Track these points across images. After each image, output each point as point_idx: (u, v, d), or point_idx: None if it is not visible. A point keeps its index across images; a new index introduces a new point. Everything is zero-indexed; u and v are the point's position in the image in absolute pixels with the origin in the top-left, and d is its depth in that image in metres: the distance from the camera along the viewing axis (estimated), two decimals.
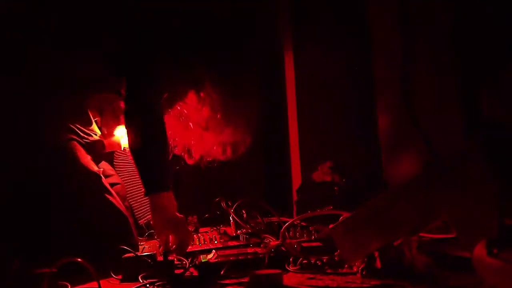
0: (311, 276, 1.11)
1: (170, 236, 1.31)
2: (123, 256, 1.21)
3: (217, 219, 1.72)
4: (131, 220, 1.46)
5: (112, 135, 1.66)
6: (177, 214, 1.34)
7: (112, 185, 1.53)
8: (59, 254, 1.01)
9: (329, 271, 1.14)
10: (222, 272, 1.14)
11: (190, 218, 1.79)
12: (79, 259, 0.98)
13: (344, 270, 1.14)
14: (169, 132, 1.44)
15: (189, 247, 1.37)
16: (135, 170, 1.74)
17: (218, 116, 1.56)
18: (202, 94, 1.53)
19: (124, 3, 1.43)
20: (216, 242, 1.46)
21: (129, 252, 1.23)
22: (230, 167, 2.24)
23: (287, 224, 1.27)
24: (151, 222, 1.37)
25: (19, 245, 1.29)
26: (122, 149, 1.73)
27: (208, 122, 1.58)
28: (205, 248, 1.37)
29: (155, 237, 1.48)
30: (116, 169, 1.75)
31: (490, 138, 1.03)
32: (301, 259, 1.19)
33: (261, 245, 1.34)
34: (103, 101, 1.52)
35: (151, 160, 1.34)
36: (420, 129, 2.05)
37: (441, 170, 1.06)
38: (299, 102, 2.33)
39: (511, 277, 0.78)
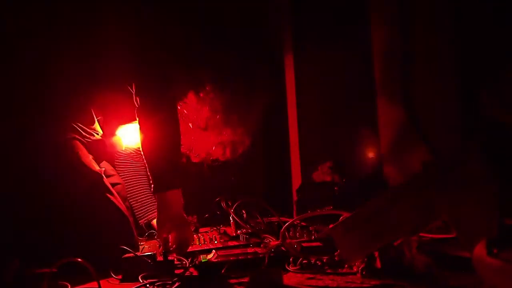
0: (311, 276, 1.11)
1: (171, 235, 1.30)
2: (123, 256, 1.21)
3: (217, 219, 1.71)
4: (131, 220, 1.46)
5: (114, 134, 1.66)
6: (183, 212, 1.34)
7: (113, 185, 1.53)
8: (59, 254, 1.01)
9: (329, 271, 1.14)
10: (222, 272, 1.14)
11: (190, 218, 1.79)
12: (79, 259, 0.98)
13: (344, 270, 1.14)
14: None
15: (189, 247, 1.37)
16: (136, 170, 1.75)
17: (218, 116, 1.56)
18: (201, 95, 1.53)
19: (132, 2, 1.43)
20: (216, 242, 1.46)
21: (129, 252, 1.23)
22: (230, 167, 2.25)
23: (287, 224, 1.27)
24: (154, 221, 1.37)
25: (19, 245, 1.29)
26: (123, 148, 1.73)
27: (208, 122, 1.58)
28: (205, 248, 1.37)
29: (155, 236, 1.49)
30: (117, 169, 1.75)
31: (490, 138, 1.03)
32: (301, 259, 1.19)
33: (261, 245, 1.34)
34: (106, 99, 1.51)
35: (162, 157, 1.33)
36: (420, 129, 2.05)
37: (441, 170, 1.06)
38: (299, 102, 2.33)
39: (511, 277, 0.78)
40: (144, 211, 1.74)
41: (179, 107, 1.55)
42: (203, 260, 1.23)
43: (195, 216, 1.82)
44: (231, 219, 1.56)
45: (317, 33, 2.29)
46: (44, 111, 1.39)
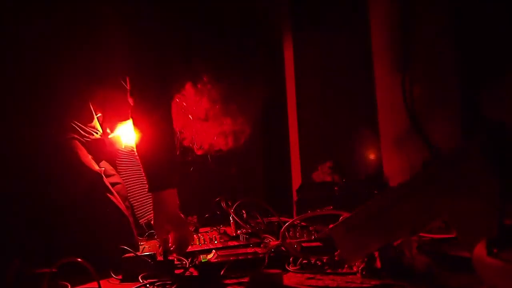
0: (311, 276, 1.11)
1: (170, 235, 1.31)
2: (123, 256, 1.21)
3: (217, 219, 1.71)
4: (131, 220, 1.46)
5: (113, 132, 1.65)
6: (179, 212, 1.34)
7: (112, 184, 1.53)
8: (59, 254, 1.01)
9: (329, 271, 1.14)
10: (222, 272, 1.14)
11: (190, 218, 1.79)
12: (79, 259, 0.98)
13: (344, 270, 1.13)
14: (176, 125, 1.43)
15: (189, 247, 1.37)
16: (137, 169, 1.75)
17: (217, 106, 1.55)
18: (199, 86, 1.52)
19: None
20: (216, 242, 1.46)
21: (129, 252, 1.23)
22: (233, 158, 2.25)
23: (287, 224, 1.26)
24: (152, 221, 1.36)
25: (19, 245, 1.29)
26: (123, 147, 1.72)
27: (208, 113, 1.57)
28: (205, 248, 1.37)
29: (155, 236, 1.48)
30: (118, 168, 1.74)
31: (490, 138, 1.03)
32: (301, 259, 1.19)
33: (261, 245, 1.34)
34: (105, 96, 1.51)
35: (156, 157, 1.33)
36: (420, 129, 2.05)
37: (441, 170, 1.06)
38: (299, 103, 2.34)
39: (511, 277, 0.78)
40: (144, 211, 1.73)
41: (178, 100, 1.54)
42: (203, 260, 1.23)
43: (195, 216, 1.82)
44: (231, 219, 1.56)
45: (319, 32, 2.29)
46: (44, 110, 1.39)
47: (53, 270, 0.98)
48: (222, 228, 1.62)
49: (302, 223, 1.56)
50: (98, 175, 1.42)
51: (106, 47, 1.44)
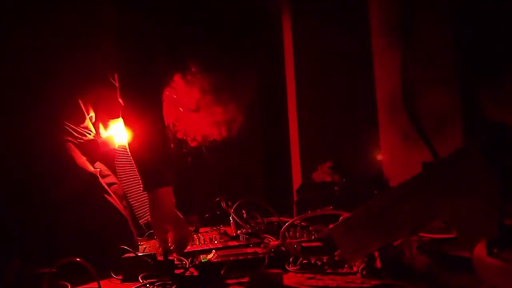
0: (311, 276, 1.11)
1: (169, 234, 1.30)
2: (123, 256, 1.21)
3: (217, 219, 1.71)
4: (129, 219, 1.46)
5: (106, 132, 1.63)
6: (176, 210, 1.34)
7: (109, 185, 1.52)
8: (60, 254, 1.01)
9: (329, 271, 1.14)
10: (222, 272, 1.14)
11: (190, 217, 1.79)
12: (79, 259, 0.98)
13: (344, 270, 1.14)
14: (168, 118, 1.41)
15: (189, 247, 1.37)
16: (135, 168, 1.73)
17: (208, 96, 1.53)
18: (188, 77, 1.50)
19: None
20: (216, 242, 1.46)
21: (129, 252, 1.23)
22: (227, 149, 2.25)
23: (287, 224, 1.26)
24: (150, 220, 1.36)
25: (19, 245, 1.29)
26: (116, 146, 1.71)
27: (199, 104, 1.55)
28: (205, 248, 1.37)
29: (155, 237, 1.48)
30: (117, 168, 1.74)
31: (490, 138, 1.03)
32: (301, 259, 1.19)
33: (261, 245, 1.34)
34: (95, 95, 1.49)
35: (149, 155, 1.32)
36: (420, 129, 2.05)
37: (441, 170, 1.06)
38: (299, 102, 2.33)
39: (511, 277, 0.78)
40: (144, 211, 1.73)
41: (168, 93, 1.52)
42: (203, 260, 1.23)
43: (195, 216, 1.82)
44: (231, 219, 1.56)
45: (319, 30, 2.28)
46: (36, 113, 1.38)
47: (53, 270, 0.98)
48: (222, 228, 1.62)
49: (302, 223, 1.56)
50: (93, 176, 1.41)
51: (94, 45, 1.43)
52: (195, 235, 1.54)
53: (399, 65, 2.09)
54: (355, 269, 1.11)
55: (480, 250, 0.84)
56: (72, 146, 1.43)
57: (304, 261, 1.18)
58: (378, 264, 1.06)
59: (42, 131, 1.38)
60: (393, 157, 2.16)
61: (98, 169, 1.49)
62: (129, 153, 1.34)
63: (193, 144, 1.62)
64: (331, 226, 1.11)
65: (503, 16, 1.69)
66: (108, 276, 1.19)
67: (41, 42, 1.42)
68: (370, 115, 2.22)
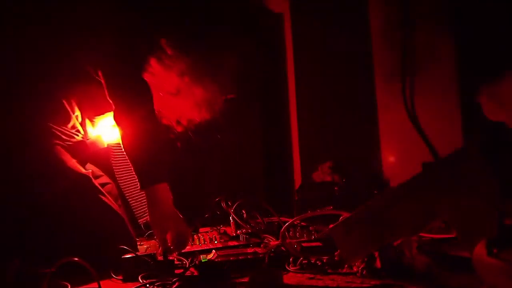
0: (311, 276, 1.11)
1: (168, 234, 1.29)
2: (123, 257, 1.21)
3: (217, 219, 1.71)
4: (126, 219, 1.45)
5: (94, 131, 1.59)
6: (174, 208, 1.33)
7: (102, 185, 1.51)
8: (59, 255, 1.00)
9: (329, 271, 1.14)
10: (222, 272, 1.14)
11: (189, 218, 1.78)
12: (79, 259, 0.98)
13: (344, 270, 1.13)
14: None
15: (189, 247, 1.37)
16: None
17: (186, 78, 1.51)
18: (166, 61, 1.48)
19: None
20: (216, 242, 1.46)
21: (129, 252, 1.23)
22: (229, 167, 2.25)
23: (287, 224, 1.27)
24: (149, 219, 1.35)
25: (19, 245, 1.29)
26: (106, 145, 1.68)
27: (178, 87, 1.53)
28: (205, 248, 1.37)
29: (155, 237, 1.48)
30: (114, 168, 1.72)
31: (490, 138, 1.03)
32: (301, 259, 1.19)
33: (261, 245, 1.34)
34: (79, 93, 1.46)
35: (143, 153, 1.31)
36: (420, 129, 2.05)
37: (441, 170, 1.06)
38: (299, 102, 2.33)
39: (511, 277, 0.78)
40: (143, 210, 1.72)
41: (147, 79, 1.50)
42: (203, 260, 1.23)
43: (198, 218, 1.82)
44: (231, 219, 1.56)
45: (319, 33, 2.28)
46: (21, 118, 1.37)
47: (52, 270, 0.98)
48: (222, 228, 1.62)
49: (302, 223, 1.56)
50: (86, 178, 1.40)
51: (74, 43, 1.41)
52: (195, 235, 1.54)
53: (399, 65, 2.09)
54: (355, 269, 1.11)
55: (480, 250, 0.84)
56: (62, 149, 1.41)
57: (304, 261, 1.18)
58: (378, 264, 1.06)
59: (29, 136, 1.37)
60: (393, 157, 2.16)
61: (90, 171, 1.48)
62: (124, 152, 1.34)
63: (179, 129, 1.60)
64: (331, 226, 1.11)
65: (503, 16, 1.69)
66: (108, 276, 1.19)
67: (22, 42, 1.41)
68: (370, 115, 2.22)
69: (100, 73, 1.37)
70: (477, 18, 1.80)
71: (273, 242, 1.33)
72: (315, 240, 1.35)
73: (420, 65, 2.05)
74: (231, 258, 1.21)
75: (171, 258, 1.24)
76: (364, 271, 1.08)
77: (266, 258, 1.19)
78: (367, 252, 1.07)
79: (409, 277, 1.02)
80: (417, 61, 2.06)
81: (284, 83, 2.40)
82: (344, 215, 1.14)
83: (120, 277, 1.18)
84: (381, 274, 1.05)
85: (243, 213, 1.60)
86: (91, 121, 1.54)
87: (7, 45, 1.41)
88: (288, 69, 2.38)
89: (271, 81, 2.38)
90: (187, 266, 1.21)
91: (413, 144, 2.07)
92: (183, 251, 1.32)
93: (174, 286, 1.08)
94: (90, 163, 1.63)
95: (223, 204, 1.63)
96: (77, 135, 1.49)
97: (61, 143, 1.42)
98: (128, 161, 1.35)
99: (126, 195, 1.69)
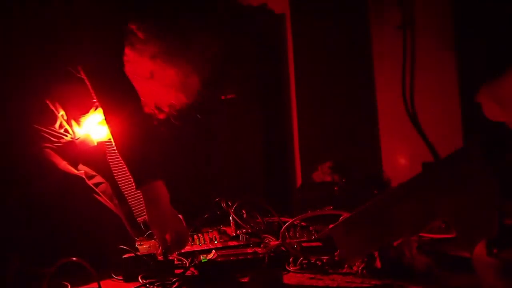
0: (311, 276, 1.11)
1: (168, 232, 1.29)
2: (123, 256, 1.21)
3: (217, 219, 1.71)
4: (123, 217, 1.45)
5: (81, 129, 1.56)
6: (171, 206, 1.31)
7: (96, 185, 1.50)
8: (59, 256, 1.00)
9: (330, 271, 1.14)
10: (222, 272, 1.14)
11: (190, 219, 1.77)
12: (79, 259, 0.98)
13: (344, 270, 1.13)
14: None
15: (189, 246, 1.37)
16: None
17: (158, 60, 1.49)
18: (138, 46, 1.46)
19: None
20: (216, 242, 1.46)
21: (129, 252, 1.23)
22: (229, 166, 2.25)
23: (287, 224, 1.27)
24: (146, 218, 1.34)
25: (19, 245, 1.29)
26: (95, 143, 1.63)
27: (151, 70, 1.51)
28: (205, 248, 1.37)
29: (154, 237, 1.48)
30: (112, 166, 1.70)
31: (490, 138, 1.03)
32: (301, 259, 1.19)
33: (261, 245, 1.34)
34: (62, 92, 1.44)
35: (137, 151, 1.29)
36: (420, 129, 2.05)
37: (441, 170, 1.06)
38: (299, 102, 2.33)
39: (511, 277, 0.78)
40: (141, 209, 1.70)
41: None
42: (203, 260, 1.23)
43: (198, 218, 1.81)
44: (231, 219, 1.56)
45: (316, 22, 2.28)
46: (9, 121, 1.36)
47: (51, 270, 0.98)
48: (222, 228, 1.62)
49: (302, 223, 1.56)
50: (79, 179, 1.40)
51: (53, 41, 1.39)
52: (195, 235, 1.54)
53: (399, 65, 2.09)
54: (355, 269, 1.11)
55: (480, 250, 0.84)
56: (51, 152, 1.40)
57: (304, 261, 1.18)
58: (378, 264, 1.06)
59: (18, 141, 1.36)
60: (393, 157, 2.16)
61: (82, 171, 1.47)
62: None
63: (161, 116, 1.58)
64: (331, 226, 1.11)
65: (503, 16, 1.69)
66: (108, 276, 1.19)
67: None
68: (370, 115, 2.22)
69: (81, 71, 1.34)
70: (477, 18, 1.81)
71: (273, 242, 1.33)
72: (315, 240, 1.35)
73: (420, 65, 2.06)
74: (231, 258, 1.21)
75: (171, 258, 1.24)
76: (364, 271, 1.08)
77: (266, 258, 1.19)
78: (367, 252, 1.07)
79: (409, 277, 1.02)
80: (417, 61, 2.06)
81: (284, 83, 2.40)
82: (344, 215, 1.14)
83: (121, 277, 1.18)
84: (381, 274, 1.05)
85: (243, 213, 1.60)
86: (77, 120, 1.52)
87: None
88: (289, 69, 2.38)
89: (271, 81, 2.38)
90: (187, 266, 1.21)
91: (413, 144, 2.07)
92: (183, 251, 1.32)
93: (174, 286, 1.08)
94: (82, 163, 1.61)
95: (223, 204, 1.62)
96: (66, 136, 1.47)
97: (50, 145, 1.41)
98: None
99: (125, 193, 1.68)
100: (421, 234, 1.27)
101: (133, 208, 1.70)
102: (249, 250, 1.31)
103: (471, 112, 1.83)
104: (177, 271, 1.19)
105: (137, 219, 1.70)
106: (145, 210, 1.43)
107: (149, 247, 1.43)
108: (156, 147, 1.32)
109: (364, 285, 1.03)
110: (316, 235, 1.39)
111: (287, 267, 1.18)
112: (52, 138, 1.42)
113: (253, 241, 1.40)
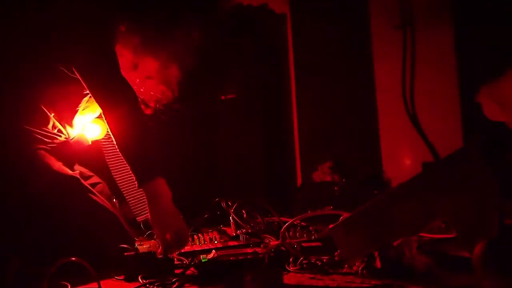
0: (311, 276, 1.11)
1: (169, 231, 1.29)
2: (124, 254, 1.21)
3: (217, 219, 1.71)
4: (121, 217, 1.44)
5: (74, 129, 1.55)
6: (173, 204, 1.31)
7: (93, 185, 1.50)
8: (58, 256, 1.00)
9: (329, 271, 1.14)
10: (222, 272, 1.14)
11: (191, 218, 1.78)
12: (79, 259, 0.98)
13: (344, 270, 1.13)
14: None
15: (189, 246, 1.37)
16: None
17: (139, 50, 1.48)
18: (120, 38, 1.45)
19: None
20: (216, 242, 1.46)
21: (130, 250, 1.23)
22: (229, 166, 2.25)
23: (287, 224, 1.26)
24: (149, 217, 1.34)
25: (19, 245, 1.29)
26: (90, 143, 1.62)
27: (135, 63, 1.50)
28: (205, 248, 1.37)
29: (155, 236, 1.48)
30: (110, 166, 1.69)
31: (489, 138, 1.03)
32: (301, 259, 1.19)
33: (261, 245, 1.34)
34: (53, 92, 1.42)
35: (138, 149, 1.30)
36: (420, 129, 2.05)
37: (441, 170, 1.06)
38: (299, 102, 2.34)
39: (510, 277, 0.78)
40: (141, 208, 1.70)
41: None
42: (203, 260, 1.23)
43: (199, 218, 1.81)
44: (231, 219, 1.56)
45: (316, 22, 2.28)
46: (6, 124, 1.36)
47: (51, 269, 0.98)
48: (222, 228, 1.62)
49: (302, 223, 1.56)
50: (75, 179, 1.39)
51: (45, 41, 1.38)
52: (195, 235, 1.54)
53: (399, 65, 2.09)
54: (355, 269, 1.11)
55: (480, 250, 0.84)
56: (45, 153, 1.39)
57: (304, 261, 1.18)
58: (378, 264, 1.06)
59: (10, 143, 1.36)
60: (393, 157, 2.16)
61: (78, 172, 1.46)
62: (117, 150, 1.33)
63: (147, 112, 1.57)
64: (331, 226, 1.11)
65: (503, 16, 1.69)
66: (108, 276, 1.19)
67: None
68: (370, 115, 2.22)
69: (76, 71, 1.34)
70: (477, 18, 1.81)
71: (273, 242, 1.33)
72: (315, 240, 1.35)
73: (420, 65, 2.06)
74: (231, 258, 1.21)
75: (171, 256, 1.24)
76: (364, 271, 1.08)
77: (266, 258, 1.19)
78: (367, 252, 1.07)
79: (409, 277, 1.01)
80: (417, 61, 2.06)
81: (284, 83, 2.40)
82: (344, 215, 1.14)
83: (122, 277, 1.18)
84: (381, 274, 1.05)
85: (243, 213, 1.60)
86: (70, 119, 1.51)
87: None
88: (289, 69, 2.38)
89: (271, 81, 2.38)
90: (187, 266, 1.21)
91: (413, 144, 2.07)
92: (183, 250, 1.32)
93: (174, 286, 1.08)
94: (78, 163, 1.60)
95: (223, 204, 1.62)
96: (60, 136, 1.46)
97: (44, 146, 1.40)
98: (121, 157, 1.34)
99: (124, 192, 1.67)
100: (421, 234, 1.27)
101: (132, 208, 1.70)
102: (249, 250, 1.31)
103: (471, 112, 1.83)
104: (177, 271, 1.19)
105: (137, 218, 1.70)
106: (145, 210, 1.43)
107: (149, 247, 1.43)
108: (155, 145, 1.33)
109: (364, 285, 1.03)
110: (316, 235, 1.39)
111: (287, 267, 1.18)
112: (45, 139, 1.41)
113: (253, 241, 1.40)
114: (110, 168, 1.67)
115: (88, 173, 1.62)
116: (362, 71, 2.24)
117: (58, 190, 1.35)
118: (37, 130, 1.40)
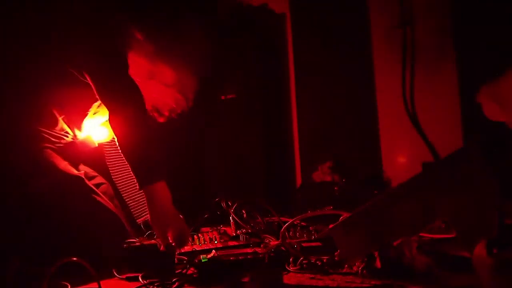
0: (311, 276, 1.11)
1: (169, 231, 1.29)
2: (127, 246, 1.22)
3: (217, 219, 1.71)
4: (123, 218, 1.45)
5: (81, 131, 1.56)
6: (173, 206, 1.32)
7: (97, 186, 1.51)
8: (59, 256, 1.00)
9: (329, 271, 1.14)
10: (222, 272, 1.14)
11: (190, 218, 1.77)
12: (79, 259, 0.98)
13: (344, 270, 1.13)
14: None
15: (189, 246, 1.37)
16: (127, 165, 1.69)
17: (157, 61, 1.48)
18: (136, 46, 1.46)
19: None
20: (216, 242, 1.46)
21: (133, 242, 1.24)
22: (230, 166, 2.25)
23: (287, 224, 1.26)
24: (149, 220, 1.34)
25: (19, 245, 1.29)
26: (96, 145, 1.64)
27: (151, 71, 1.51)
28: (205, 248, 1.37)
29: (155, 237, 1.48)
30: (110, 167, 1.70)
31: (489, 138, 1.03)
32: (301, 259, 1.19)
33: (261, 245, 1.34)
34: (63, 94, 1.43)
35: (140, 151, 1.30)
36: (420, 129, 2.05)
37: (441, 170, 1.06)
38: (299, 102, 2.34)
39: (510, 277, 0.78)
40: (141, 210, 1.71)
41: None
42: (203, 260, 1.23)
43: (199, 218, 1.81)
44: (231, 219, 1.56)
45: (316, 23, 2.28)
46: (9, 123, 1.36)
47: (51, 269, 0.98)
48: (222, 228, 1.62)
49: (302, 223, 1.56)
50: (79, 179, 1.40)
51: (55, 44, 1.39)
52: (195, 235, 1.54)
53: (399, 65, 2.09)
54: (355, 269, 1.11)
55: (480, 250, 0.84)
56: (52, 152, 1.40)
57: (304, 261, 1.18)
58: (378, 264, 1.06)
59: (18, 141, 1.36)
60: (393, 157, 2.16)
61: (83, 172, 1.47)
62: (120, 152, 1.33)
63: (161, 120, 1.58)
64: (331, 226, 1.11)
65: (503, 16, 1.70)
66: (108, 276, 1.19)
67: (2, 47, 1.40)
68: (370, 115, 2.22)
69: (84, 73, 1.35)
70: (477, 18, 1.81)
71: (273, 242, 1.33)
72: (315, 240, 1.35)
73: (420, 65, 2.06)
74: (231, 258, 1.21)
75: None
76: (364, 271, 1.08)
77: (266, 258, 1.19)
78: (367, 252, 1.07)
79: (409, 277, 1.01)
80: (417, 61, 2.06)
81: (284, 83, 2.40)
82: (344, 215, 1.14)
83: (124, 276, 1.18)
84: (381, 274, 1.05)
85: (243, 213, 1.60)
86: (78, 122, 1.52)
87: None
88: (289, 69, 2.38)
89: (271, 81, 2.38)
90: (186, 266, 1.21)
91: (413, 144, 2.07)
92: (183, 250, 1.32)
93: (174, 286, 1.08)
94: (83, 164, 1.61)
95: (223, 204, 1.62)
96: (67, 136, 1.48)
97: (50, 145, 1.41)
98: (123, 159, 1.34)
99: (124, 194, 1.68)
100: (421, 234, 1.27)
101: (132, 210, 1.70)
102: (249, 250, 1.31)
103: (471, 112, 1.83)
104: (177, 271, 1.19)
105: (137, 220, 1.70)
106: (145, 211, 1.44)
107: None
108: (159, 148, 1.33)
109: (364, 285, 1.03)
110: (316, 235, 1.39)
111: (287, 267, 1.18)
112: (52, 139, 1.42)
113: (253, 241, 1.40)
114: (110, 171, 1.68)
115: (93, 173, 1.63)
116: (362, 71, 2.24)
117: (60, 190, 1.35)
118: (45, 130, 1.41)
